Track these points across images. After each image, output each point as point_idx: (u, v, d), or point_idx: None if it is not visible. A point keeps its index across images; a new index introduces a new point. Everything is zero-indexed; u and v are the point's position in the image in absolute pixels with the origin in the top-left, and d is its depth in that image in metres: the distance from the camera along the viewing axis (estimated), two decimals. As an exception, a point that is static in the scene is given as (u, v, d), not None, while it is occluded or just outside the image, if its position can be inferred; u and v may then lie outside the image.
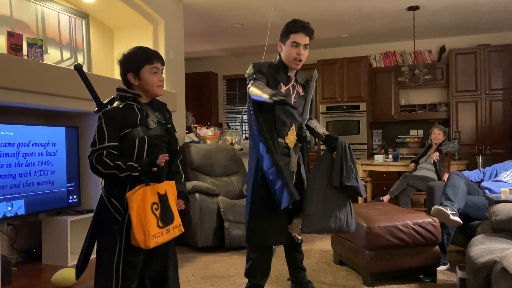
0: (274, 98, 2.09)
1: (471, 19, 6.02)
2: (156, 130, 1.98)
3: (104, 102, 1.98)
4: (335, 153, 2.44)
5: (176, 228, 1.93)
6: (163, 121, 2.05)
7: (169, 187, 1.96)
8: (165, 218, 1.88)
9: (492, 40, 6.67)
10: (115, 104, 1.95)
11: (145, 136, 1.93)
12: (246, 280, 2.59)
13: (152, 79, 1.95)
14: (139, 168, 1.84)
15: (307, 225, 2.40)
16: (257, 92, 2.28)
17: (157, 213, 1.86)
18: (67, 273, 2.99)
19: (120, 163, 1.82)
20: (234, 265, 3.56)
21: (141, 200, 1.83)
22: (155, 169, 1.86)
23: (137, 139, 1.91)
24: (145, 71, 1.94)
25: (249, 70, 2.50)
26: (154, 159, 1.88)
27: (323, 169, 2.44)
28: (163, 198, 1.90)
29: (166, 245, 1.99)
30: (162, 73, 2.01)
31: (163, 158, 1.88)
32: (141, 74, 1.94)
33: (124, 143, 1.90)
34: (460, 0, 5.23)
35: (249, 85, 2.41)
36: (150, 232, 1.81)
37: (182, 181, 2.14)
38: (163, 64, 2.01)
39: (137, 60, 1.95)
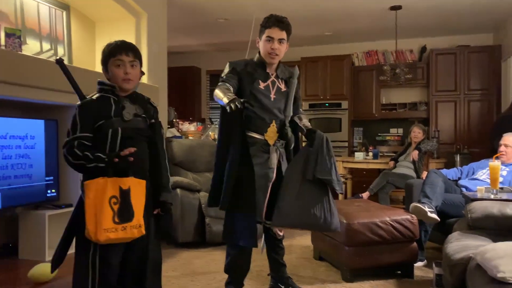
0: (231, 105, 2.10)
1: (452, 20, 6.11)
2: (134, 123, 1.95)
3: (87, 97, 1.96)
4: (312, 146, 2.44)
5: (134, 229, 1.85)
6: (143, 115, 2.02)
7: (137, 185, 1.89)
8: (123, 214, 1.83)
9: (472, 41, 6.79)
10: (92, 96, 1.94)
11: (119, 128, 1.91)
12: (226, 276, 2.60)
13: (116, 72, 1.94)
14: (106, 159, 1.81)
15: (278, 217, 2.39)
16: (220, 95, 2.27)
17: (115, 207, 1.81)
18: (45, 269, 2.94)
19: (88, 153, 1.81)
20: (215, 261, 3.56)
21: (100, 190, 1.80)
22: (117, 159, 1.82)
23: (110, 130, 1.89)
24: (110, 64, 1.94)
25: (225, 69, 2.51)
26: (120, 151, 1.85)
27: (300, 163, 2.43)
28: (124, 194, 1.85)
29: (146, 242, 1.97)
30: (133, 66, 1.96)
31: (127, 150, 1.84)
32: (108, 67, 1.95)
33: (98, 134, 1.89)
34: (442, 1, 5.31)
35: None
36: (103, 224, 1.77)
37: (169, 186, 2.10)
38: (134, 56, 1.96)
39: (104, 54, 1.96)
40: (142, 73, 2.06)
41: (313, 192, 2.39)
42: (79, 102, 1.91)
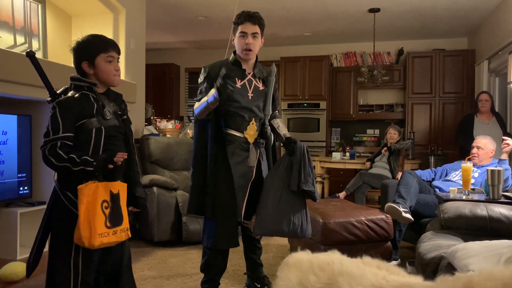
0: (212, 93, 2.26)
1: (428, 24, 6.23)
2: (113, 121, 1.94)
3: (57, 92, 1.91)
4: (293, 156, 2.46)
5: (123, 232, 1.87)
6: (119, 112, 2.00)
7: (123, 188, 1.90)
8: (114, 218, 1.82)
9: (447, 45, 6.94)
10: (70, 93, 1.89)
11: (102, 127, 1.88)
12: (202, 275, 2.59)
13: (108, 68, 1.91)
14: (95, 163, 1.78)
15: (260, 227, 2.42)
16: (201, 102, 2.41)
17: (107, 212, 1.80)
18: (16, 267, 2.87)
19: (74, 156, 1.76)
20: (191, 259, 3.55)
21: (92, 196, 1.77)
22: (111, 166, 1.81)
23: (94, 129, 1.86)
24: (100, 59, 1.89)
25: (200, 75, 2.54)
26: (111, 155, 1.83)
27: (281, 172, 2.46)
28: (115, 198, 1.83)
29: (121, 243, 1.95)
30: (118, 62, 1.96)
31: (121, 157, 1.83)
32: (96, 62, 1.90)
33: (80, 134, 1.84)
34: (419, 5, 5.41)
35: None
36: (97, 230, 1.74)
37: (140, 180, 2.10)
38: (119, 53, 1.96)
39: (92, 48, 1.90)
40: None
41: (294, 201, 2.43)
42: (57, 100, 1.85)
